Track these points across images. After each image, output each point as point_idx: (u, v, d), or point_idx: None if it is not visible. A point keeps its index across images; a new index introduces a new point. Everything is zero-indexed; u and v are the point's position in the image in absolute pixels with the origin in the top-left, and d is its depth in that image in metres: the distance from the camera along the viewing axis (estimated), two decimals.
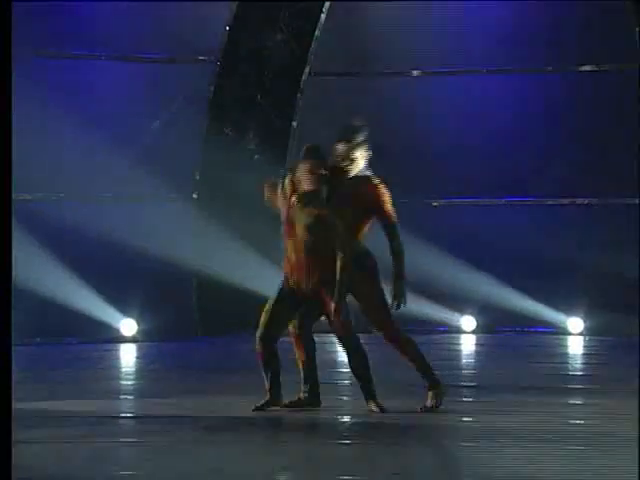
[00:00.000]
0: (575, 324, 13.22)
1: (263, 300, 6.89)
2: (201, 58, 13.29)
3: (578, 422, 6.21)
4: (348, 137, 6.62)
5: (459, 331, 13.43)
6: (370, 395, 6.53)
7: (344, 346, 6.53)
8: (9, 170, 4.64)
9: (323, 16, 13.63)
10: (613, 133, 13.25)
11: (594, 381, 8.54)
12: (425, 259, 12.44)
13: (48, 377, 8.82)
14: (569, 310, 13.37)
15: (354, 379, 6.58)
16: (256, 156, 13.53)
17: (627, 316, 12.95)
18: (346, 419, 6.49)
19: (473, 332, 13.38)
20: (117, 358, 11.18)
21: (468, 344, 12.54)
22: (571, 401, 7.24)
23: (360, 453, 5.30)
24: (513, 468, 4.83)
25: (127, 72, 13.02)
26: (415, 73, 13.88)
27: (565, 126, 13.44)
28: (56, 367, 9.83)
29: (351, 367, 6.55)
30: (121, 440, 5.72)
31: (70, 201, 12.66)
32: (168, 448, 5.40)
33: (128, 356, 11.25)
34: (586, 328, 13.19)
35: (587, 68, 13.47)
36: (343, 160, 6.60)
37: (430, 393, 6.58)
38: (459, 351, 11.92)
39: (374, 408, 6.47)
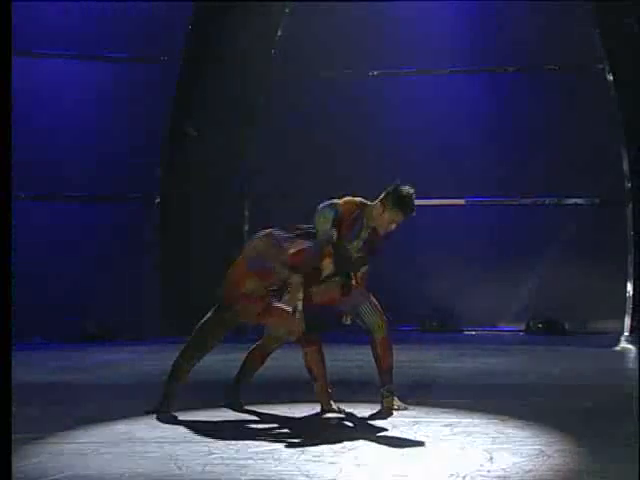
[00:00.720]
0: (540, 323, 13.30)
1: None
2: (165, 58, 13.26)
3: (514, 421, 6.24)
4: (411, 212, 6.47)
5: (424, 330, 13.47)
6: (325, 394, 6.52)
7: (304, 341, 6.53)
8: (9, 170, 4.61)
9: (286, 17, 13.65)
10: (576, 133, 13.33)
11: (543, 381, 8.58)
12: (389, 259, 12.44)
13: None
14: (532, 309, 13.46)
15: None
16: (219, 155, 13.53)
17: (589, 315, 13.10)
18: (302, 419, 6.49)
19: (439, 331, 13.40)
20: (82, 358, 11.10)
21: (431, 343, 12.56)
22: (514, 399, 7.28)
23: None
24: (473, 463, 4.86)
25: (91, 71, 12.97)
26: (375, 73, 13.93)
27: (527, 126, 13.51)
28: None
29: (306, 361, 6.55)
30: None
31: (31, 201, 12.61)
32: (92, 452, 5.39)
33: (92, 356, 11.18)
34: (548, 327, 13.27)
35: (549, 67, 13.55)
36: (394, 227, 6.53)
37: (396, 397, 6.65)
38: (422, 351, 11.92)
39: (331, 412, 6.48)
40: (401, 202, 6.42)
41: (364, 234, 6.54)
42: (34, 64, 12.58)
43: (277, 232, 6.46)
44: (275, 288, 6.42)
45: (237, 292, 6.37)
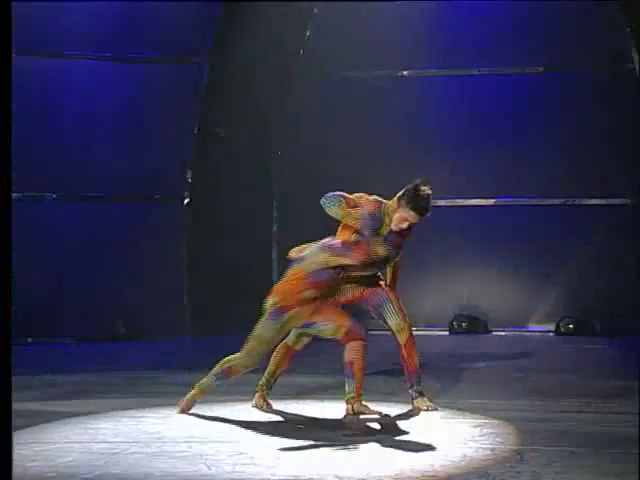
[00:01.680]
0: (570, 324, 13.23)
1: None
2: (194, 59, 13.29)
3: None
4: (424, 213, 6.42)
5: (453, 331, 13.42)
6: (357, 394, 6.48)
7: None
8: (9, 170, 4.63)
9: (314, 17, 13.67)
10: (605, 133, 13.26)
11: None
12: (416, 260, 12.44)
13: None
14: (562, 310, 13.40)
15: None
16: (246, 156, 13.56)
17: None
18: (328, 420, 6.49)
19: (468, 332, 13.35)
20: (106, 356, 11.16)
21: (460, 344, 12.54)
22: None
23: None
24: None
25: (121, 72, 13.02)
26: (405, 73, 13.92)
27: (558, 126, 13.46)
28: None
29: (348, 355, 6.50)
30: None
31: (63, 201, 12.68)
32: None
33: (121, 356, 11.23)
34: (578, 327, 13.20)
35: (578, 67, 13.49)
36: (405, 226, 6.46)
37: (425, 398, 6.64)
38: (452, 352, 11.91)
39: (361, 412, 6.44)
40: (416, 202, 6.36)
41: (383, 230, 6.50)
42: (65, 65, 12.65)
43: (331, 242, 6.45)
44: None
45: (293, 300, 6.35)
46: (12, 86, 4.47)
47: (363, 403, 6.41)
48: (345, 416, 6.37)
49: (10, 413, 4.28)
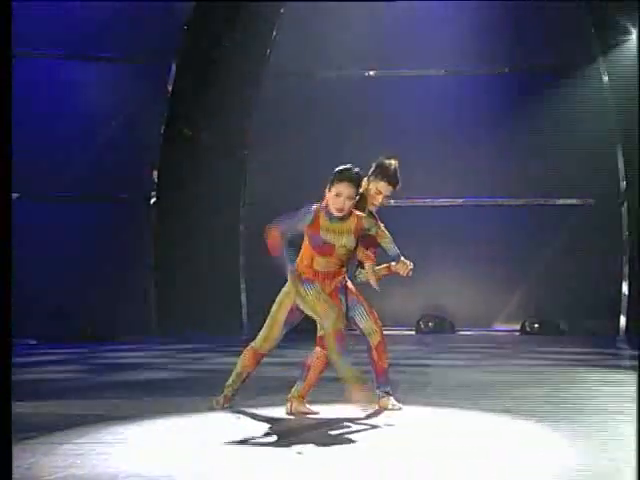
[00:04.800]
0: (535, 323, 13.33)
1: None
2: (161, 59, 13.28)
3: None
4: (397, 182, 6.57)
5: (419, 331, 13.47)
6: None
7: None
8: (9, 170, 4.61)
9: (281, 17, 13.68)
10: (571, 133, 13.35)
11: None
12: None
13: None
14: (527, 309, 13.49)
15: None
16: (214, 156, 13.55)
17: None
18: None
19: (434, 332, 13.42)
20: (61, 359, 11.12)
21: (425, 344, 12.58)
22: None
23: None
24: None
25: (89, 72, 12.99)
26: (371, 73, 13.96)
27: (524, 126, 13.54)
28: None
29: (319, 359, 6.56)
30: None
31: (28, 201, 12.62)
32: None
33: (87, 356, 11.18)
34: (543, 327, 13.29)
35: (545, 68, 13.60)
36: (381, 200, 6.55)
37: (391, 398, 6.67)
38: (417, 351, 11.96)
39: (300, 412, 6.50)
40: (383, 171, 6.57)
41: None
42: (32, 64, 12.59)
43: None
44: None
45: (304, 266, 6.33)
46: (12, 87, 4.47)
47: (305, 405, 6.48)
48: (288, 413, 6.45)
49: (10, 413, 4.25)
